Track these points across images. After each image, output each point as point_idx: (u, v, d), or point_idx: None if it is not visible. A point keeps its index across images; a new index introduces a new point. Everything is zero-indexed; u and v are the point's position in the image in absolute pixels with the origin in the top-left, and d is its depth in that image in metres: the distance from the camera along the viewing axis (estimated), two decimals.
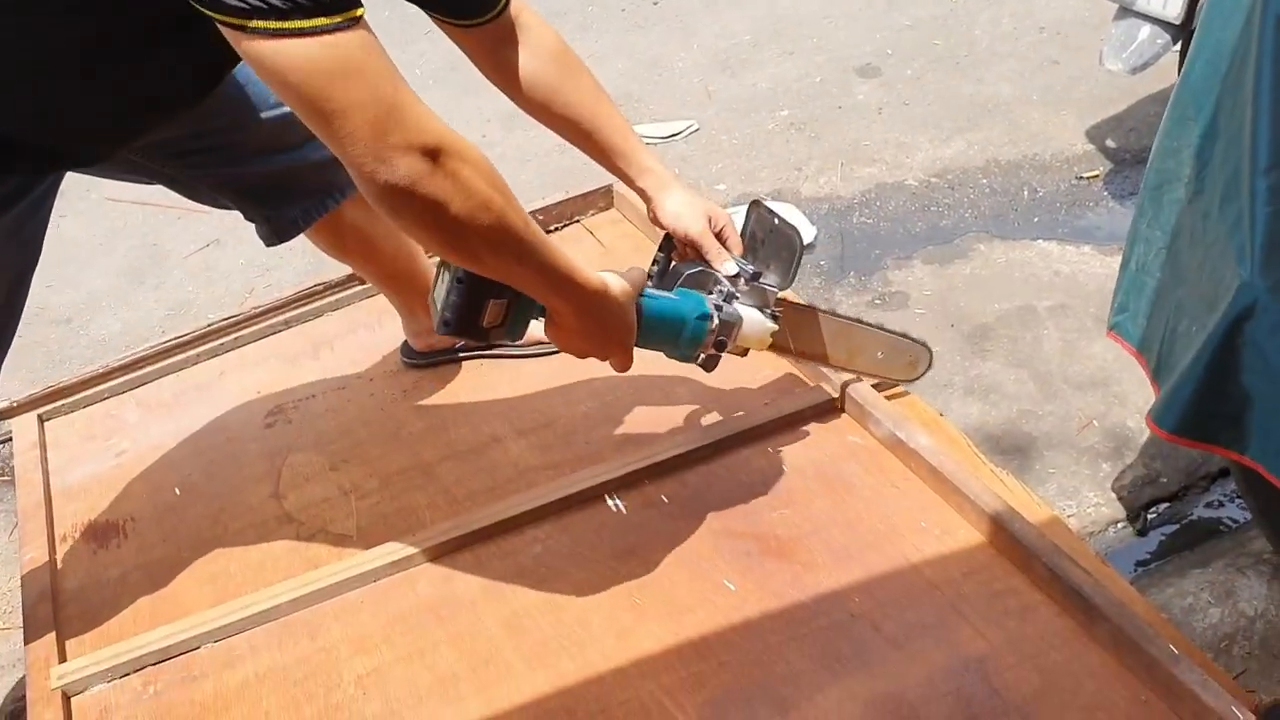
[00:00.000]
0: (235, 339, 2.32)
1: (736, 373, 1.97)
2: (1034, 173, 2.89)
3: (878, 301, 2.47)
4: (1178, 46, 2.55)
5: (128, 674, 1.59)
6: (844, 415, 1.85)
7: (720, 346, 1.57)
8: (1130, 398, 2.15)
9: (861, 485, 1.74)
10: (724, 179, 3.00)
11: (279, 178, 1.81)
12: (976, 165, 2.94)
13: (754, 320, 1.60)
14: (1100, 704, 1.40)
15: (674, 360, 1.58)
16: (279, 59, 1.10)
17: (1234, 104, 1.39)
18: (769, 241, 1.64)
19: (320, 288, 2.32)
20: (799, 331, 1.72)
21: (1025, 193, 2.81)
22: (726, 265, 1.59)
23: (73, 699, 1.57)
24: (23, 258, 1.57)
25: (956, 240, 2.65)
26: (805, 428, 1.84)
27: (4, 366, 1.56)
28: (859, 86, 3.36)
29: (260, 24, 1.08)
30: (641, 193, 1.66)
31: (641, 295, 1.45)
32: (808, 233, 2.70)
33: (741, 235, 1.66)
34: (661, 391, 1.98)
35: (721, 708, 1.42)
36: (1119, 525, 1.95)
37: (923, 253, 2.62)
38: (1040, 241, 2.62)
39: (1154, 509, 1.97)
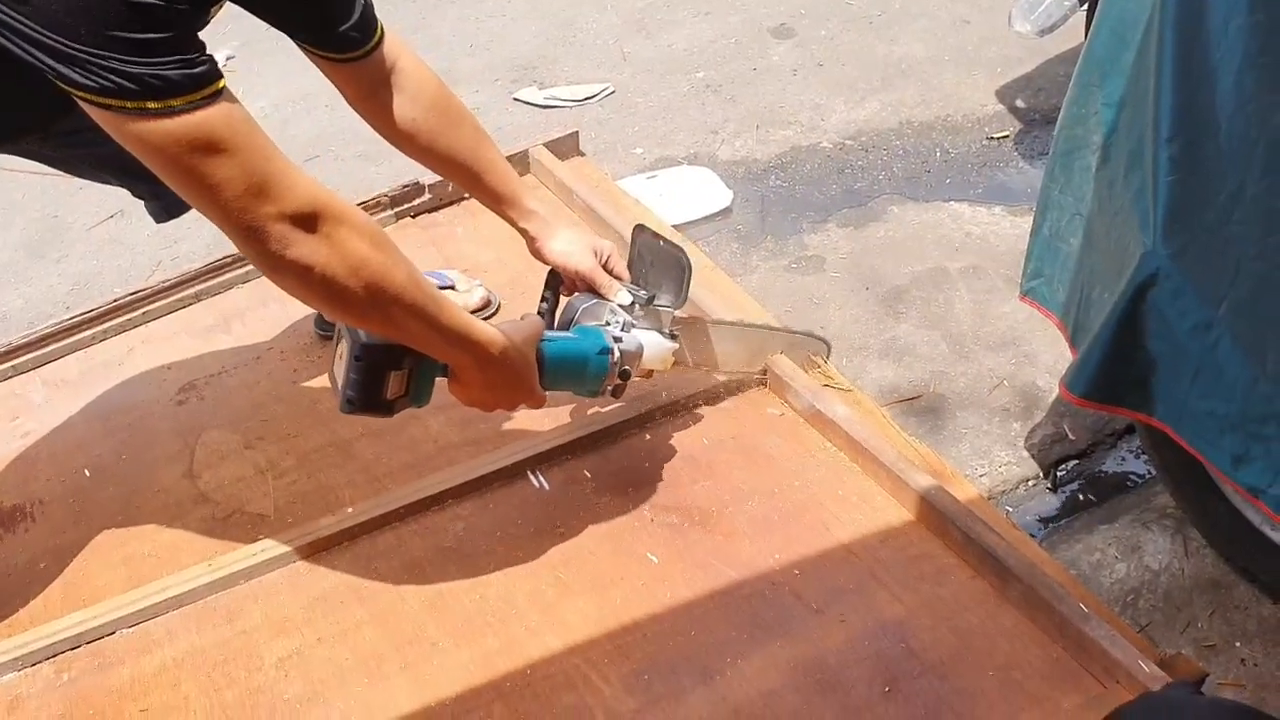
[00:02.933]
0: (144, 314, 2.27)
1: None
2: (946, 134, 2.92)
3: (794, 265, 2.48)
4: (1084, 8, 2.58)
5: (39, 662, 1.56)
6: (764, 388, 1.87)
7: (625, 376, 1.57)
8: (1039, 357, 2.19)
9: (781, 456, 1.76)
10: (640, 143, 2.98)
11: None
12: (890, 127, 2.95)
13: (654, 343, 1.62)
14: (1014, 662, 1.44)
15: (580, 396, 1.60)
16: (142, 138, 1.09)
17: (1138, 73, 1.41)
18: (657, 264, 1.65)
19: (229, 260, 2.28)
20: (698, 345, 1.74)
21: (937, 154, 2.84)
22: (620, 295, 1.61)
23: None
24: None
25: (871, 203, 2.67)
26: (726, 401, 1.86)
27: None
28: (774, 48, 3.35)
29: (117, 104, 1.08)
30: (525, 233, 1.66)
31: (541, 340, 1.46)
32: (724, 197, 2.70)
33: (630, 261, 1.67)
34: None
35: (646, 678, 1.44)
36: (1030, 483, 1.99)
37: (838, 215, 2.63)
38: (952, 203, 2.65)
39: (1063, 466, 2.02)
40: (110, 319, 2.26)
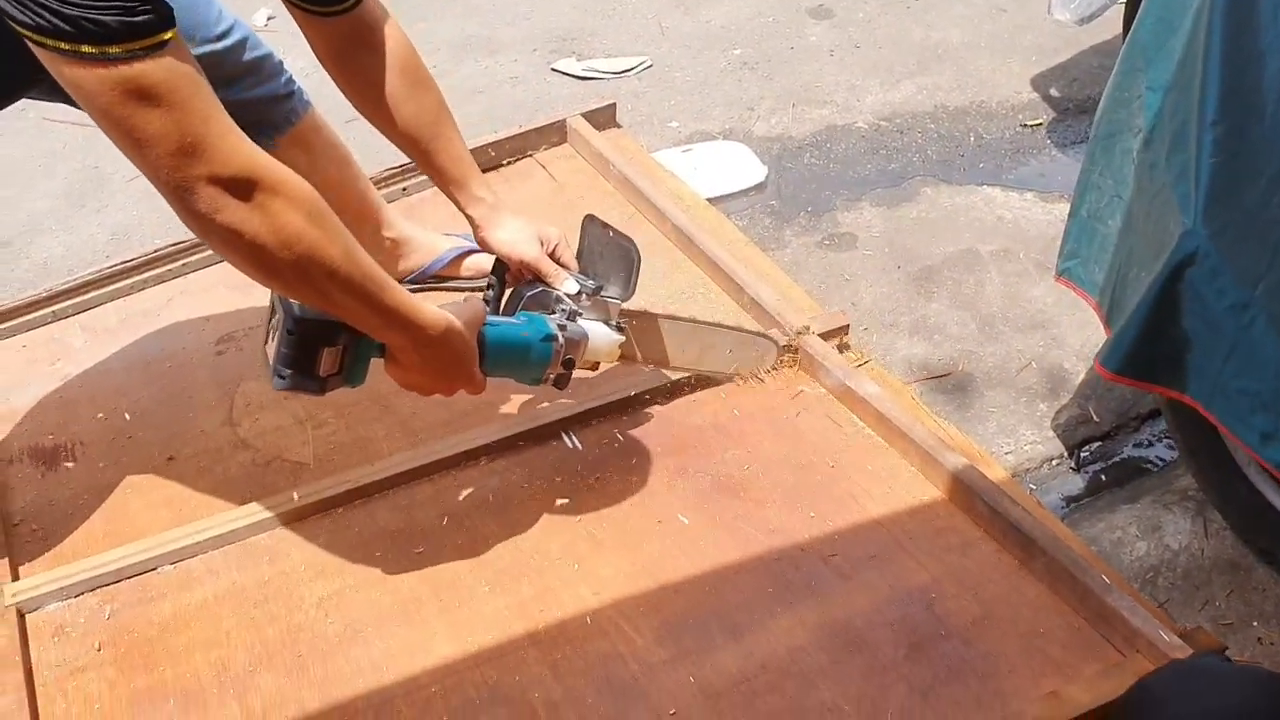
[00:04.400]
0: (183, 265, 2.29)
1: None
2: (980, 119, 2.93)
3: (827, 242, 2.51)
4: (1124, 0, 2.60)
5: (83, 593, 1.60)
6: (795, 365, 1.90)
7: (569, 365, 1.56)
8: (1067, 340, 2.22)
9: (810, 430, 1.79)
10: (676, 116, 3.00)
11: None
12: (925, 110, 2.97)
13: (600, 334, 1.60)
14: (1036, 631, 1.47)
15: (523, 384, 1.57)
16: (76, 83, 1.07)
17: (1185, 57, 1.43)
18: (606, 255, 1.63)
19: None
20: (645, 339, 1.72)
21: (971, 138, 2.86)
22: (566, 284, 1.58)
23: (27, 616, 1.58)
24: None
25: (904, 183, 2.69)
26: (757, 374, 1.89)
27: None
28: (812, 27, 3.37)
29: (53, 43, 1.04)
30: (470, 220, 1.64)
31: (484, 324, 1.44)
32: (759, 173, 2.72)
33: (579, 252, 1.65)
34: None
35: (677, 631, 1.47)
36: (1054, 462, 2.02)
37: (871, 195, 2.65)
38: (985, 187, 2.67)
39: (1087, 447, 2.04)
40: (150, 269, 2.28)
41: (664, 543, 1.61)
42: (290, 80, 1.89)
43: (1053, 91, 3.04)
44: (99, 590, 1.61)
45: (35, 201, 2.89)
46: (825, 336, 1.90)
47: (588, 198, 2.37)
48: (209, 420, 1.90)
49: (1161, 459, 2.03)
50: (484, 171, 2.44)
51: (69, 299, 2.22)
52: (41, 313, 2.19)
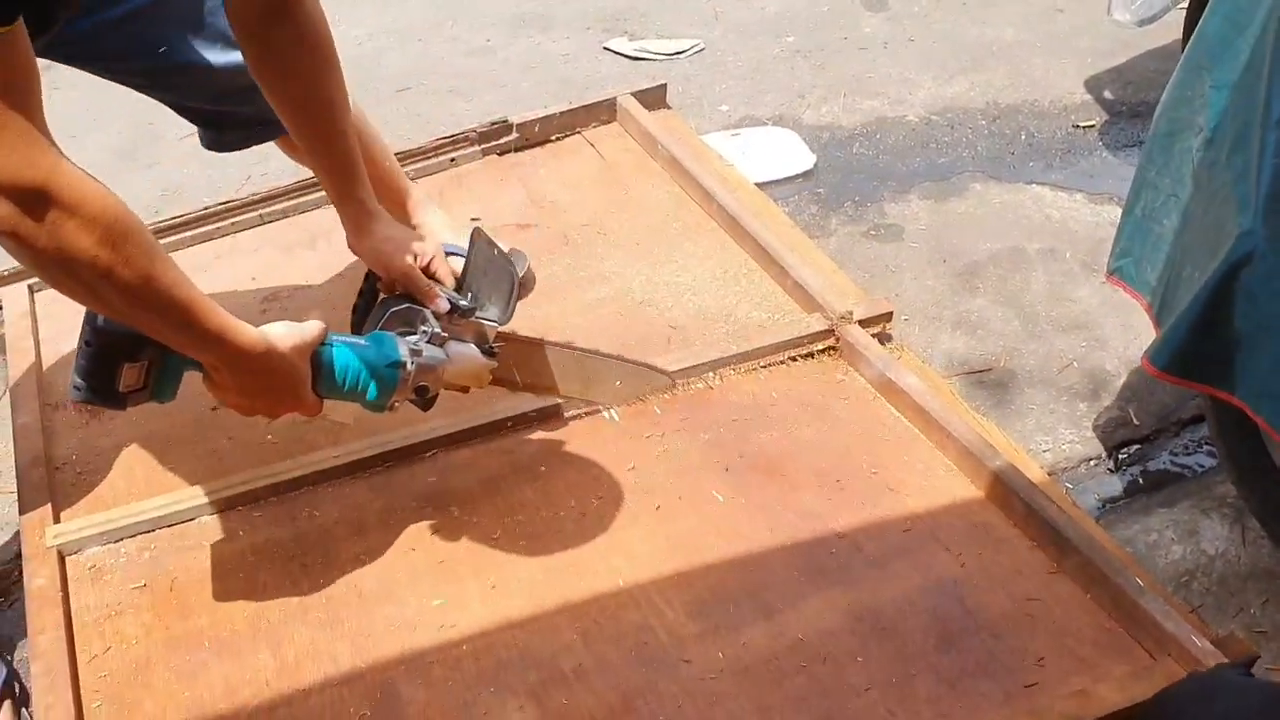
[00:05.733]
0: (231, 224, 2.32)
1: (734, 300, 2.01)
2: (1032, 118, 2.92)
3: (873, 232, 2.50)
4: (1185, 2, 2.57)
5: (123, 539, 1.63)
6: (836, 354, 1.89)
7: (421, 392, 1.44)
8: (1111, 342, 2.20)
9: (849, 419, 1.79)
10: (727, 100, 3.00)
11: (222, 114, 1.80)
12: (977, 106, 2.96)
13: (467, 358, 1.49)
14: (1067, 629, 1.47)
15: (368, 410, 1.44)
16: None
17: (1251, 57, 1.41)
18: (490, 274, 1.53)
19: (293, 187, 2.31)
20: (526, 365, 1.64)
21: (1022, 136, 2.84)
22: (438, 303, 1.47)
23: (67, 558, 1.60)
24: None
25: (953, 178, 2.68)
26: (798, 361, 1.89)
27: None
28: (866, 19, 3.36)
29: None
30: (342, 221, 1.55)
31: (324, 344, 1.35)
32: (807, 160, 2.72)
33: (465, 267, 1.53)
34: (657, 310, 2.01)
35: (707, 606, 1.48)
36: (1091, 463, 2.01)
37: (919, 188, 2.65)
38: (1034, 186, 2.65)
39: (1125, 450, 2.03)
40: (198, 226, 2.31)
41: (697, 519, 1.61)
42: None
43: (1106, 94, 3.02)
44: (138, 537, 1.63)
45: (88, 154, 2.92)
46: (869, 322, 1.90)
47: (635, 177, 2.37)
48: None
49: (1201, 465, 2.01)
50: (531, 147, 2.49)
51: None
52: None
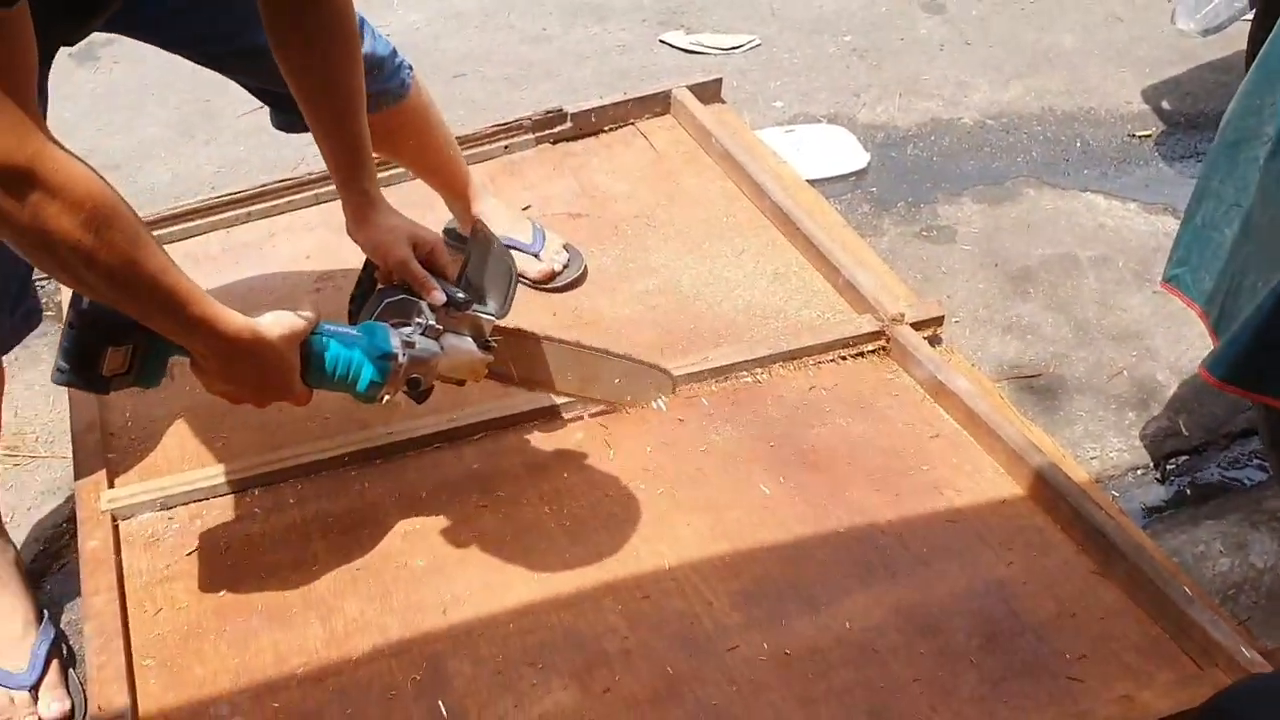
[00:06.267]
0: (288, 202, 2.34)
1: (785, 297, 2.01)
2: (1088, 126, 2.89)
3: (925, 233, 2.50)
4: (1251, 13, 2.54)
5: (175, 506, 1.65)
6: (885, 353, 1.89)
7: (414, 384, 1.42)
8: (1161, 353, 2.19)
9: (898, 419, 1.79)
10: (781, 97, 3.00)
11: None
12: (1032, 112, 2.94)
13: (462, 351, 1.46)
14: (1112, 634, 1.46)
15: (359, 401, 1.40)
16: None
17: None
18: (489, 268, 1.51)
19: (375, 161, 2.32)
20: (523, 360, 1.61)
21: (1078, 144, 2.82)
22: (434, 295, 1.44)
23: (120, 523, 1.63)
24: None
25: (1007, 182, 2.66)
26: (848, 360, 1.89)
27: None
28: (923, 21, 3.34)
29: None
30: (344, 209, 1.53)
31: (314, 332, 1.32)
32: (860, 159, 2.71)
33: (465, 260, 1.50)
34: (705, 303, 2.02)
35: (753, 597, 1.49)
36: (1139, 472, 2.00)
37: (973, 191, 2.63)
38: (1088, 193, 2.63)
39: (1174, 460, 2.02)
40: (254, 203, 2.33)
41: (744, 510, 1.62)
42: (388, 77, 1.83)
43: (1164, 104, 2.99)
44: (190, 505, 1.66)
45: (146, 129, 2.96)
46: (920, 325, 1.89)
47: (687, 170, 2.38)
48: None
49: (1250, 479, 2.00)
50: (584, 137, 2.50)
51: (174, 225, 2.27)
52: None
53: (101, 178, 1.05)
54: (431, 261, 1.48)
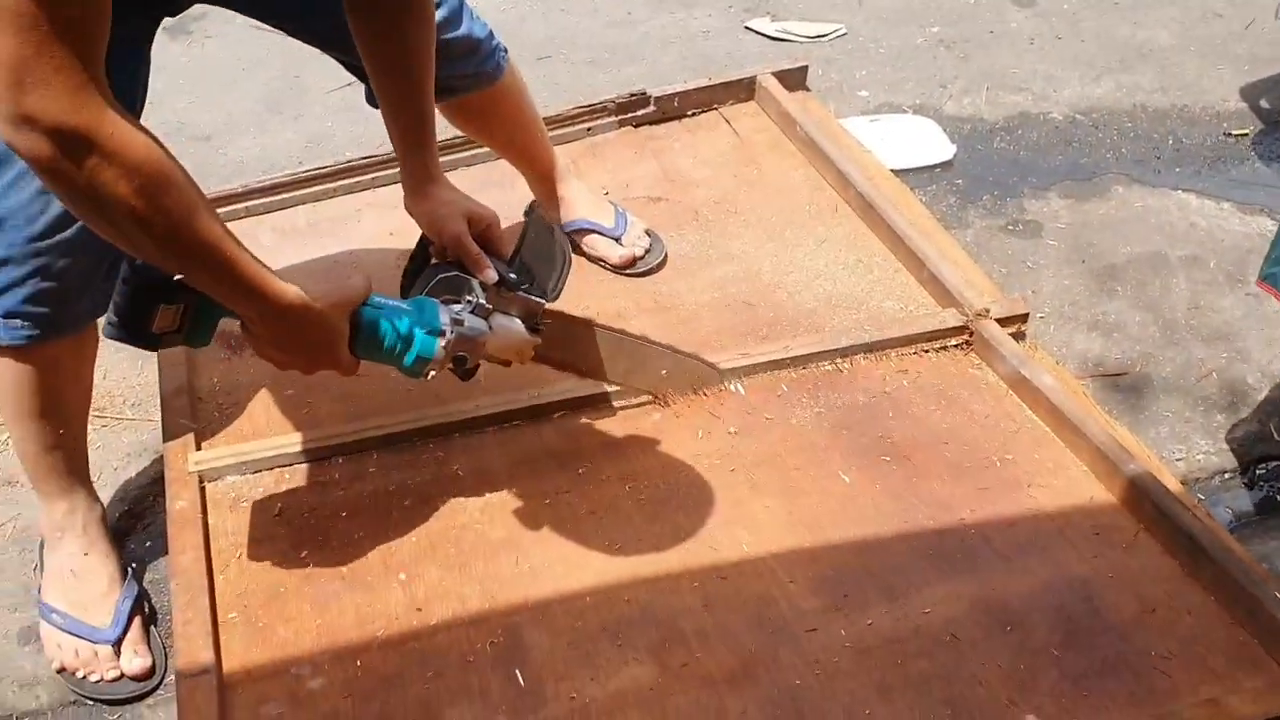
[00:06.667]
0: (373, 179, 2.36)
1: (867, 288, 1.99)
2: (1181, 123, 2.83)
3: (1010, 227, 2.46)
4: None
5: (260, 470, 1.68)
6: (969, 347, 1.87)
7: (460, 362, 1.41)
8: (1253, 355, 2.13)
9: (980, 413, 1.77)
10: (867, 86, 2.97)
11: None
12: (1124, 108, 2.88)
13: (511, 332, 1.45)
14: (1198, 637, 1.43)
15: (405, 375, 1.40)
16: None
17: None
18: (541, 250, 1.51)
19: (458, 140, 2.33)
20: (572, 345, 1.61)
21: (1170, 141, 2.76)
22: (486, 273, 1.43)
23: (207, 484, 1.66)
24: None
25: (1095, 179, 2.61)
26: (931, 354, 1.87)
27: None
28: (1013, 14, 3.29)
29: None
30: (403, 181, 1.55)
31: (365, 303, 1.32)
32: (946, 150, 2.68)
33: (520, 240, 1.49)
34: (785, 292, 2.00)
35: (832, 583, 1.48)
36: (1226, 475, 1.95)
37: (1060, 186, 2.59)
38: (1180, 192, 2.57)
39: (1263, 465, 1.97)
40: (341, 179, 2.36)
41: (823, 497, 1.61)
42: (484, 59, 1.84)
43: (1263, 103, 2.91)
44: (275, 470, 1.68)
45: (236, 102, 3.01)
46: (1004, 323, 1.87)
47: (770, 157, 2.37)
48: None
49: None
50: (667, 120, 2.49)
51: (262, 197, 2.31)
52: (235, 207, 2.27)
53: (160, 144, 1.06)
54: (486, 239, 1.47)
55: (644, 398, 1.77)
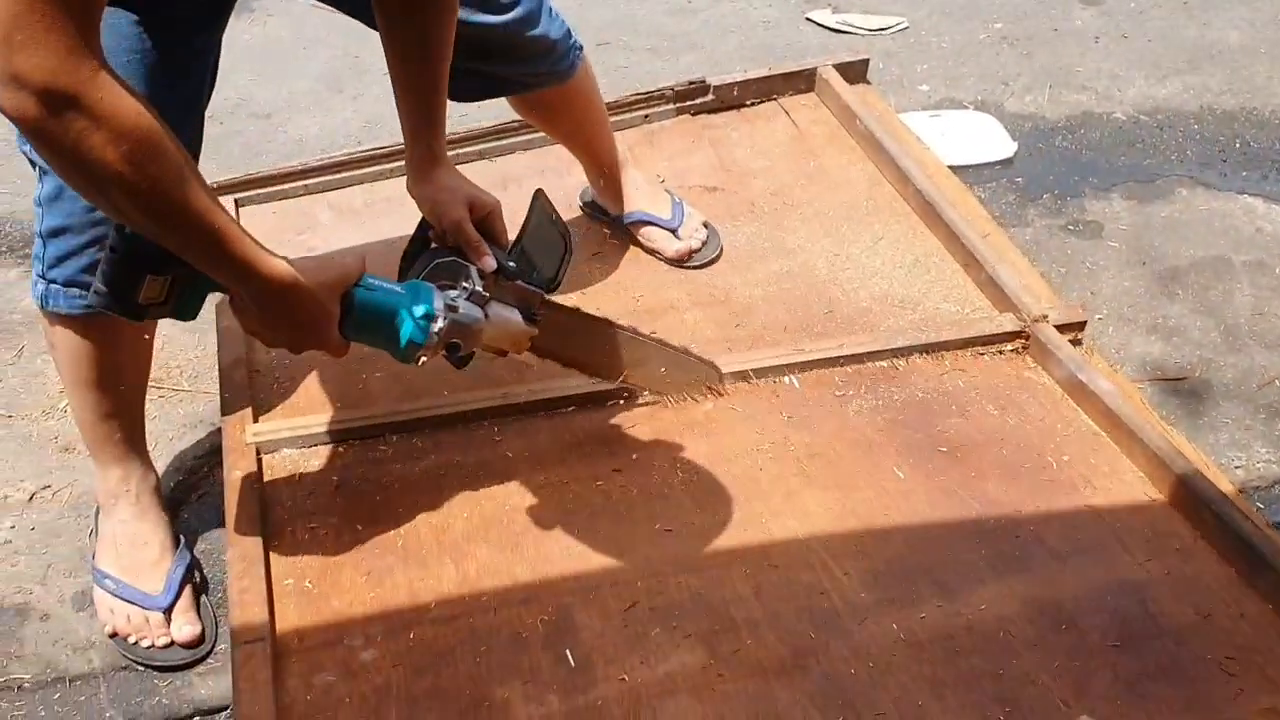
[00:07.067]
0: None
1: (924, 288, 1.98)
2: (1249, 126, 2.78)
3: (1070, 227, 2.43)
4: None
5: (316, 444, 1.69)
6: (1025, 351, 1.85)
7: (453, 350, 1.37)
8: None
9: (1036, 416, 1.75)
10: (928, 80, 2.94)
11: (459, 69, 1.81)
12: (1190, 110, 2.84)
13: (507, 321, 1.42)
14: (1256, 647, 1.41)
15: (396, 359, 1.37)
16: None
17: None
18: (543, 239, 1.48)
19: (514, 124, 2.34)
20: (569, 338, 1.58)
21: (1237, 144, 2.71)
22: (485, 260, 1.40)
23: (264, 456, 1.67)
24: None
25: (1159, 180, 2.58)
26: (986, 356, 1.85)
27: (204, 152, 1.53)
28: (1079, 12, 3.25)
29: None
30: (407, 163, 1.53)
31: (358, 284, 1.28)
32: (1007, 148, 2.65)
33: (523, 229, 1.47)
34: (840, 289, 1.99)
35: (883, 577, 1.47)
36: None
37: (1123, 187, 2.55)
38: (1246, 196, 2.53)
39: None
40: (399, 159, 2.36)
41: (876, 491, 1.60)
42: (558, 59, 1.84)
43: None
44: (331, 445, 1.69)
45: (296, 81, 3.03)
46: (1063, 329, 1.85)
47: (828, 150, 2.35)
48: None
49: None
50: (725, 110, 2.48)
51: (321, 176, 2.32)
52: (294, 185, 2.29)
53: (152, 112, 1.04)
54: (487, 227, 1.45)
55: (708, 386, 1.77)
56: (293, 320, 1.24)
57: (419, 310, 1.31)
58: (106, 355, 1.56)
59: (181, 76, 1.42)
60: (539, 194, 1.50)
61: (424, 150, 1.50)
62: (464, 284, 1.37)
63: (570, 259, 1.50)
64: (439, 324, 1.31)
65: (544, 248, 1.48)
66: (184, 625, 1.64)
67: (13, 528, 1.83)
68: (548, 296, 1.48)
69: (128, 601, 1.64)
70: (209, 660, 1.64)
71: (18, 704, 1.61)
